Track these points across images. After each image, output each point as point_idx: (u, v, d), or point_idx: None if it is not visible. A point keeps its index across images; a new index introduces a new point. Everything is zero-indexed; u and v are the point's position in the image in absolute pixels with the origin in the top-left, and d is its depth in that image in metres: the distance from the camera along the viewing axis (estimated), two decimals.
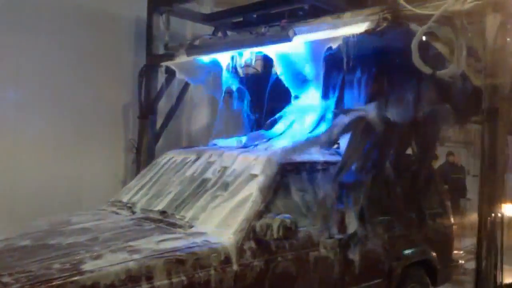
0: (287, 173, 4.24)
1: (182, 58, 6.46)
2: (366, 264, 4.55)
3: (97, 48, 7.29)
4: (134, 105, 7.59)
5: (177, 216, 4.02)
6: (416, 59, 4.32)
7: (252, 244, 3.74)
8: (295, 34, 5.04)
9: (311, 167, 4.46)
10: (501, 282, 4.32)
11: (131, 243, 3.49)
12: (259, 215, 3.83)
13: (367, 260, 4.56)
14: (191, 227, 3.83)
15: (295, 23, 5.21)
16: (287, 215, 3.76)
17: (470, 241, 9.65)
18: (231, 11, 7.55)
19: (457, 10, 4.24)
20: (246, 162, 4.30)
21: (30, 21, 6.65)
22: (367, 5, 4.93)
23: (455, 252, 8.82)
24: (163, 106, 7.57)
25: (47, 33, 6.80)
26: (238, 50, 5.63)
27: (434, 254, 5.24)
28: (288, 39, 5.03)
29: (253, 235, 3.74)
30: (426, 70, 4.35)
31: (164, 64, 6.82)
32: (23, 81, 6.61)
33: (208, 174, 4.42)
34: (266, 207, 3.91)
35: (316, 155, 4.64)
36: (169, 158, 5.10)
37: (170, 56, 6.78)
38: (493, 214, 4.16)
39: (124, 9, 7.62)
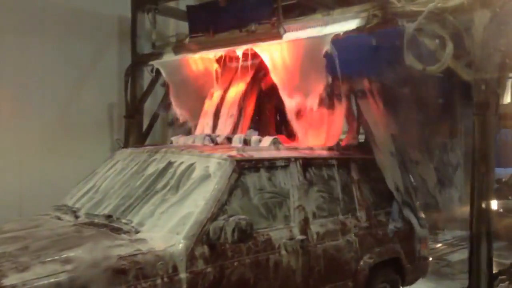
0: (244, 171, 3.92)
1: (169, 57, 6.42)
2: (331, 264, 4.30)
3: (82, 47, 7.22)
4: (120, 105, 7.54)
5: (123, 221, 3.66)
6: (407, 56, 4.39)
7: (205, 249, 3.43)
8: (285, 31, 5.06)
9: (271, 164, 4.15)
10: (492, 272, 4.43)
11: (65, 252, 3.09)
12: (213, 218, 3.51)
13: (332, 260, 4.32)
14: (137, 232, 3.48)
15: (284, 21, 5.24)
16: (243, 217, 3.45)
17: (451, 234, 9.90)
18: None
19: (446, 7, 4.33)
20: (199, 161, 3.97)
21: (12, 21, 6.56)
22: (356, 3, 5.00)
23: (437, 246, 9.06)
24: (149, 105, 7.53)
25: (31, 33, 6.71)
26: (228, 48, 5.62)
27: (403, 251, 5.02)
28: (278, 36, 5.05)
29: (206, 240, 3.44)
30: (417, 66, 4.42)
31: (152, 63, 6.76)
32: (6, 81, 6.50)
33: (159, 175, 4.05)
34: (221, 209, 3.61)
35: (276, 151, 4.37)
36: (119, 158, 4.72)
37: (157, 55, 6.75)
38: (484, 207, 4.24)
39: (107, 8, 7.56)
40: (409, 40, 4.41)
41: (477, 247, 4.31)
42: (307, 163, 4.42)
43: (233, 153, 3.99)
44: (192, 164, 3.96)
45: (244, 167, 3.92)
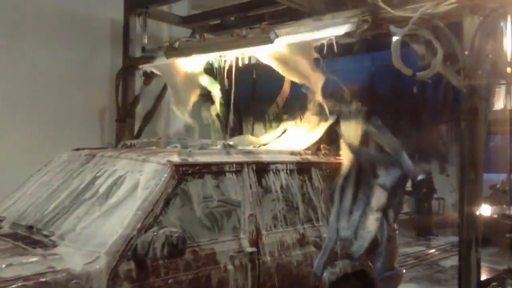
0: (186, 177, 3.53)
1: (161, 61, 6.41)
2: (286, 279, 3.92)
3: (73, 51, 7.20)
4: (111, 108, 7.52)
5: (45, 233, 3.28)
6: (397, 61, 4.38)
7: (132, 266, 3.05)
8: (276, 36, 5.04)
9: (218, 170, 3.77)
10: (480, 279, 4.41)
11: None
12: (143, 231, 3.14)
13: (288, 275, 3.94)
14: (55, 246, 3.10)
15: (275, 25, 5.23)
16: (174, 229, 3.08)
17: (445, 240, 9.93)
18: (209, 14, 7.56)
19: (436, 12, 4.33)
20: (135, 167, 3.59)
21: (3, 24, 6.54)
22: (347, 8, 4.99)
23: (430, 252, 9.07)
24: (140, 109, 7.51)
25: (22, 35, 6.70)
26: (219, 53, 5.62)
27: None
28: (269, 41, 5.03)
29: (132, 255, 3.06)
30: (407, 71, 4.40)
31: (142, 66, 6.75)
32: None
33: (89, 183, 3.67)
34: (155, 221, 3.23)
35: (227, 155, 4.00)
36: (56, 163, 4.31)
37: (148, 59, 6.73)
38: (473, 213, 4.22)
39: (99, 12, 7.55)
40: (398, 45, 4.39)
41: (467, 253, 4.27)
42: (262, 168, 4.09)
43: (174, 157, 3.60)
44: (127, 171, 3.60)
45: (185, 172, 3.55)
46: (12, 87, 6.62)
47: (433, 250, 9.32)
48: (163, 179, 3.40)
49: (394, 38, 4.39)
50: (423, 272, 7.68)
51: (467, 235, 4.27)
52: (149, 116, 7.46)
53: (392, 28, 4.56)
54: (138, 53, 7.19)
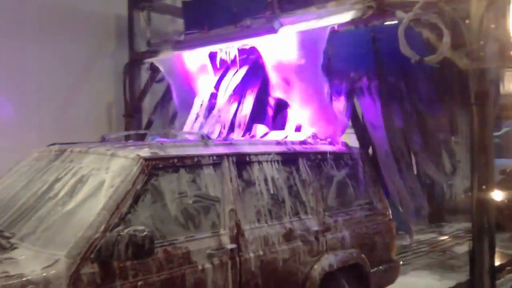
0: (158, 172, 3.29)
1: (167, 54, 6.40)
2: (272, 277, 3.71)
3: (78, 47, 7.21)
4: (118, 104, 7.53)
5: (6, 234, 3.07)
6: (403, 46, 4.33)
7: (95, 268, 2.83)
8: (280, 25, 5.01)
9: (194, 163, 3.52)
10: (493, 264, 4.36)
11: None
12: (108, 230, 2.91)
13: (273, 271, 3.72)
14: (14, 249, 2.90)
15: (279, 14, 5.20)
16: (140, 228, 2.85)
17: (457, 226, 9.86)
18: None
19: None
20: (103, 162, 3.36)
21: (8, 21, 6.56)
22: None
23: (442, 238, 9.02)
24: (148, 103, 7.52)
25: (28, 32, 6.71)
26: (223, 44, 5.60)
27: (365, 256, 4.40)
28: (274, 30, 5.00)
29: (96, 258, 2.84)
30: (413, 56, 4.35)
31: (147, 61, 6.75)
32: (3, 81, 6.50)
33: (57, 179, 3.44)
34: (122, 219, 3.01)
35: (203, 147, 3.71)
36: (28, 159, 4.07)
37: (153, 53, 6.73)
38: (485, 198, 4.18)
39: (103, 7, 7.56)
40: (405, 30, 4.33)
41: (479, 238, 4.24)
42: (244, 160, 3.84)
43: (144, 151, 3.34)
44: (93, 167, 3.37)
45: (157, 167, 3.29)
46: (18, 84, 6.64)
47: (445, 237, 9.26)
48: (131, 174, 3.16)
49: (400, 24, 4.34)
50: (436, 259, 7.65)
51: (479, 220, 4.23)
52: (156, 111, 7.45)
53: (398, 13, 4.51)
54: (143, 48, 7.18)
